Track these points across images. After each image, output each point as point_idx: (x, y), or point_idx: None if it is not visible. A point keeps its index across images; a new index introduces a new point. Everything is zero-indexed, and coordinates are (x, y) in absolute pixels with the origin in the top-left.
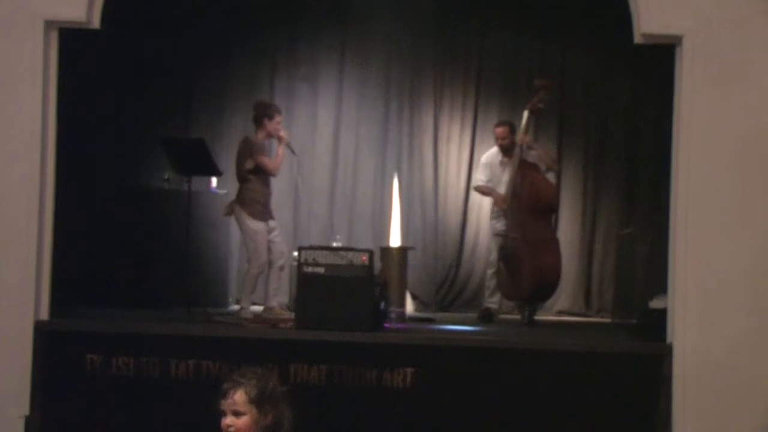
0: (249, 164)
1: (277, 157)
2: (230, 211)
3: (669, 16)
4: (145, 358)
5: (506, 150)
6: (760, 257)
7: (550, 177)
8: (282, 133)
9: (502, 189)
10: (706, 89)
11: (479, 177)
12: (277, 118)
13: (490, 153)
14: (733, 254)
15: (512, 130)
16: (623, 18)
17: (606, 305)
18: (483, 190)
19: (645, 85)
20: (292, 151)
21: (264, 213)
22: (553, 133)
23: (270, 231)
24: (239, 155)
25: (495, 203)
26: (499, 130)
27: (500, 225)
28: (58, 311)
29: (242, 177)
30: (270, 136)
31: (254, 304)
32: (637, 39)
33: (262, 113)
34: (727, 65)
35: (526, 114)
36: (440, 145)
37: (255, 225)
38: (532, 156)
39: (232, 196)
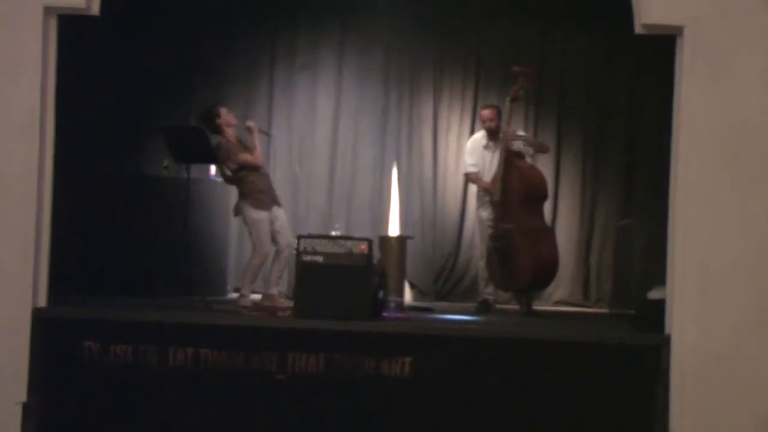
0: (233, 167)
1: (254, 149)
2: (239, 211)
3: (670, 7)
4: (143, 345)
5: (492, 132)
6: (759, 248)
7: (541, 160)
8: (249, 123)
9: (488, 175)
10: (705, 80)
11: (468, 162)
12: (223, 110)
13: (475, 138)
14: (732, 245)
15: (499, 112)
16: (624, 7)
17: (604, 296)
18: (472, 178)
19: (645, 75)
20: (267, 134)
21: (267, 202)
22: (552, 123)
23: (274, 220)
24: (220, 162)
25: (482, 190)
26: (486, 112)
27: (486, 214)
28: (56, 298)
29: (234, 179)
30: (230, 125)
31: (253, 291)
32: (638, 30)
33: (210, 120)
34: (727, 56)
35: (507, 102)
36: (439, 134)
37: (257, 214)
38: (517, 146)
39: (236, 194)
